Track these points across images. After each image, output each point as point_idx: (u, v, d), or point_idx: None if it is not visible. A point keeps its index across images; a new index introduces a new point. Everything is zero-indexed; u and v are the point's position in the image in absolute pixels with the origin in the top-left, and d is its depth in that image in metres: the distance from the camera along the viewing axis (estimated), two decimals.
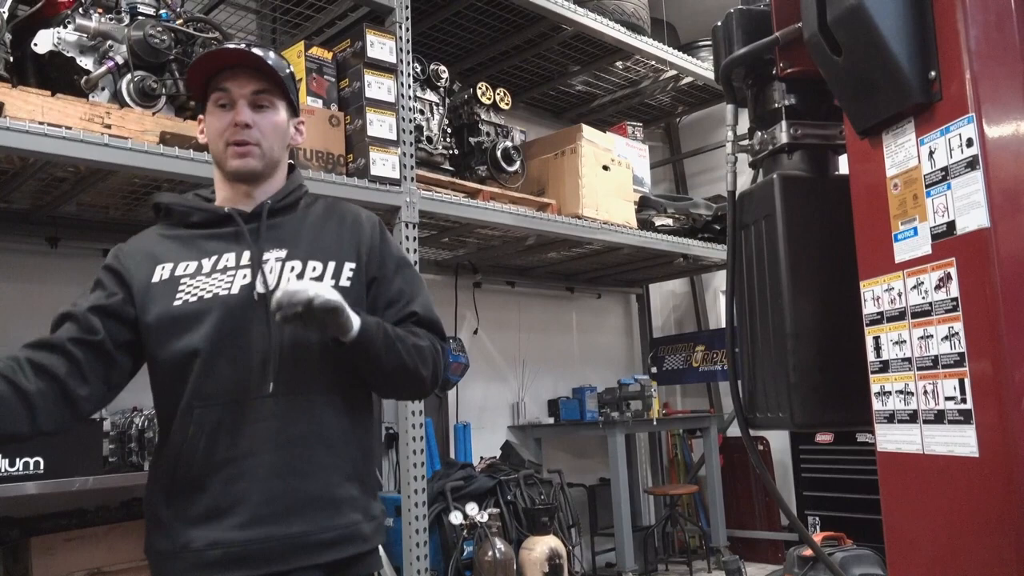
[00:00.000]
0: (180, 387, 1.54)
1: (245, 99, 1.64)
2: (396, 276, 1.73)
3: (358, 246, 1.69)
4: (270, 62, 1.66)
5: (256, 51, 1.66)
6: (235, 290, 1.56)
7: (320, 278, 1.61)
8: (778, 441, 5.31)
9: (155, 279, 1.59)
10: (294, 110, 1.76)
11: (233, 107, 1.64)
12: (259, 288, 1.57)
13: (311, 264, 1.63)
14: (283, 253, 1.62)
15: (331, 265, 1.64)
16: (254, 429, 1.53)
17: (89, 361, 1.54)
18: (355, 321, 1.51)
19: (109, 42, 2.59)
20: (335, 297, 1.45)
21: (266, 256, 1.61)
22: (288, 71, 1.73)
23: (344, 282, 1.63)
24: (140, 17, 2.66)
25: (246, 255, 1.61)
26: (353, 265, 1.66)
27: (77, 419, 1.55)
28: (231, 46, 1.72)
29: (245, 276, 1.58)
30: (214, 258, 1.61)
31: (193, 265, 1.60)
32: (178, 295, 1.56)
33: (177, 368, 1.55)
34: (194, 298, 1.56)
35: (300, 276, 1.61)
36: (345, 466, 1.60)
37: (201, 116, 1.72)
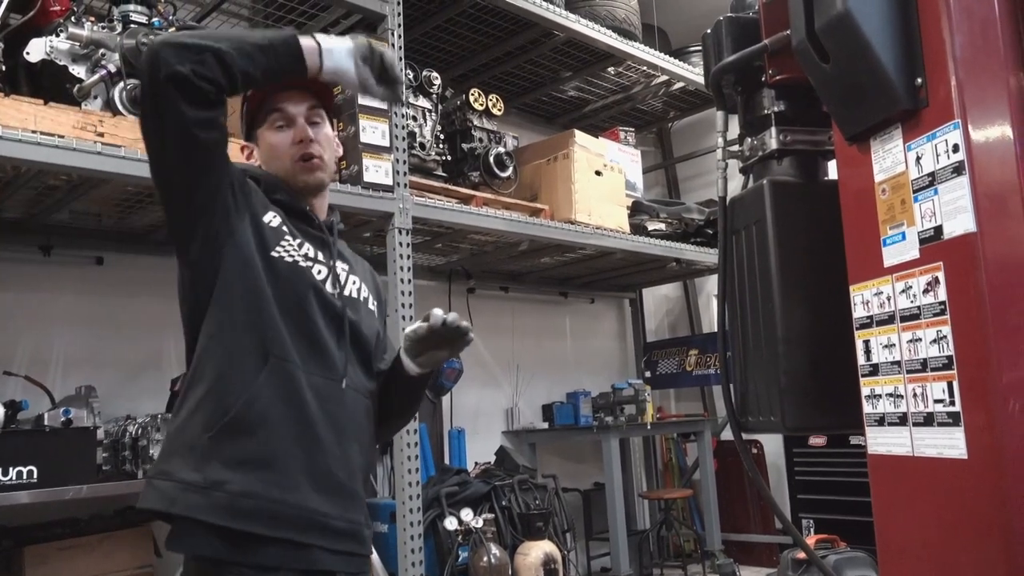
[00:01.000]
0: (256, 334, 1.53)
1: (303, 116, 1.68)
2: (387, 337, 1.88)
3: (377, 291, 1.83)
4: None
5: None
6: (320, 276, 1.63)
7: (367, 300, 1.75)
8: (772, 444, 5.32)
9: (266, 219, 1.59)
10: (330, 121, 1.81)
11: (291, 125, 1.68)
12: (331, 287, 1.64)
13: (362, 285, 1.75)
14: (346, 267, 1.73)
15: (370, 293, 1.78)
16: (316, 402, 1.55)
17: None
18: None
19: (102, 50, 2.59)
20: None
21: (337, 264, 1.70)
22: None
23: (376, 311, 1.79)
24: (132, 25, 2.67)
25: (322, 254, 1.66)
26: (376, 303, 1.80)
27: None
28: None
29: (321, 272, 1.64)
30: (299, 240, 1.63)
31: (291, 231, 1.62)
32: (279, 247, 1.58)
33: (258, 313, 1.53)
34: (290, 259, 1.59)
35: (359, 291, 1.73)
36: (365, 466, 1.69)
37: (245, 144, 1.74)
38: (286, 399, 1.52)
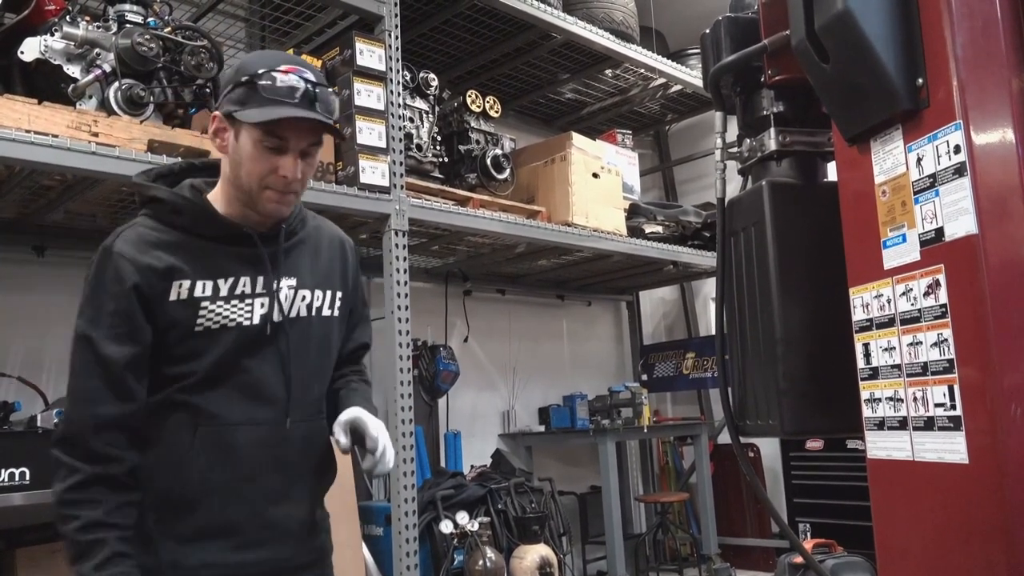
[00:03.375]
0: (184, 405, 1.48)
1: (299, 151, 1.51)
2: (364, 308, 1.80)
3: (343, 274, 1.71)
4: (331, 115, 1.54)
5: (320, 98, 1.50)
6: (256, 320, 1.52)
7: (322, 307, 1.63)
8: (769, 448, 5.31)
9: (172, 297, 1.47)
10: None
11: (282, 154, 1.50)
12: (275, 317, 1.54)
13: (316, 293, 1.63)
14: (293, 281, 1.59)
15: (328, 294, 1.65)
16: (257, 453, 1.50)
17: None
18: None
19: (97, 50, 2.58)
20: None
21: (280, 283, 1.58)
22: (336, 105, 1.66)
23: (336, 312, 1.66)
24: (128, 25, 2.65)
25: (260, 281, 1.55)
26: (341, 294, 1.68)
27: None
28: (302, 113, 1.48)
29: (263, 304, 1.53)
30: (231, 281, 1.52)
31: (210, 286, 1.50)
32: (199, 320, 1.48)
33: (185, 387, 1.49)
34: (216, 325, 1.49)
35: (309, 305, 1.61)
36: (321, 489, 1.66)
37: (217, 115, 1.53)
38: (223, 462, 1.47)
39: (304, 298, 1.60)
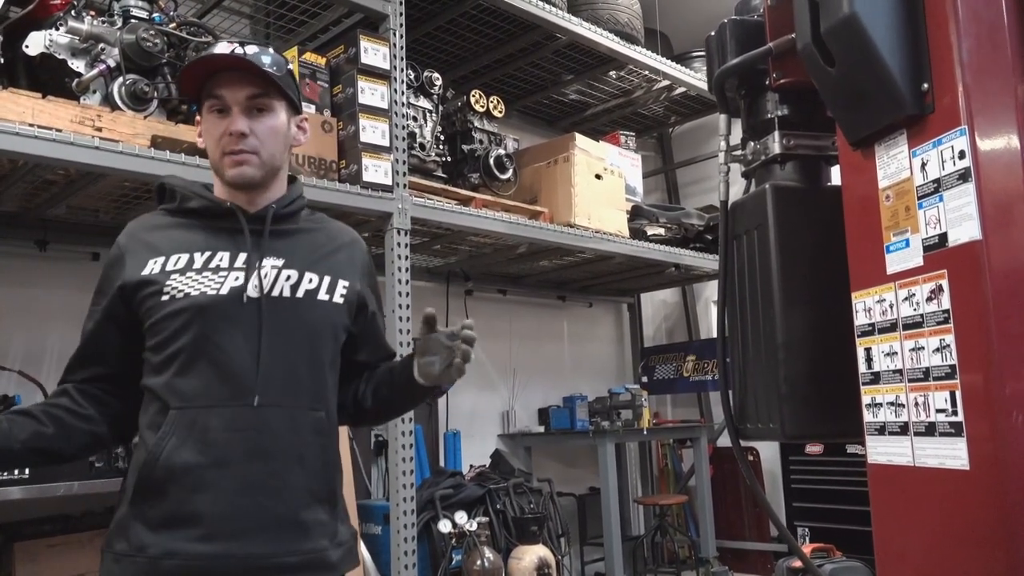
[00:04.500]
0: (156, 386, 1.49)
1: (240, 105, 1.56)
2: (379, 313, 1.79)
3: (354, 267, 1.70)
4: (265, 64, 1.56)
5: (249, 53, 1.56)
6: (224, 291, 1.51)
7: (316, 290, 1.60)
8: (768, 452, 5.30)
9: (145, 272, 1.52)
10: (295, 108, 1.68)
11: (229, 113, 1.56)
12: (251, 292, 1.52)
13: (307, 276, 1.60)
14: (280, 262, 1.58)
15: (327, 279, 1.62)
16: (228, 438, 1.46)
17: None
18: None
19: (101, 45, 2.57)
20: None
21: (263, 262, 1.57)
22: (287, 68, 1.65)
23: (337, 298, 1.63)
24: (133, 20, 2.65)
25: (241, 257, 1.55)
26: (347, 284, 1.65)
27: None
28: (222, 49, 1.57)
29: (237, 278, 1.53)
30: (207, 255, 1.54)
31: (184, 259, 1.53)
32: (164, 292, 1.50)
33: (156, 367, 1.50)
34: (180, 295, 1.50)
35: (296, 286, 1.57)
36: (318, 487, 1.55)
37: (199, 118, 1.64)
38: (192, 446, 1.44)
39: (289, 278, 1.57)
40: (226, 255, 1.55)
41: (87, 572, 2.81)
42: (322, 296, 1.60)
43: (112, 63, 2.56)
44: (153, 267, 1.52)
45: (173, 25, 2.73)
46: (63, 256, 3.31)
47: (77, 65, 2.55)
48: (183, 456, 1.44)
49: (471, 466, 4.51)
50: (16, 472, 2.49)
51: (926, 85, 1.48)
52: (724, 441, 5.51)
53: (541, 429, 5.14)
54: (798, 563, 3.04)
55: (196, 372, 1.48)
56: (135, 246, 1.57)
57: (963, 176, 1.42)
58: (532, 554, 3.77)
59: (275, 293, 1.55)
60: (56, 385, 1.63)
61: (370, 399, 1.74)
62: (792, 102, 1.94)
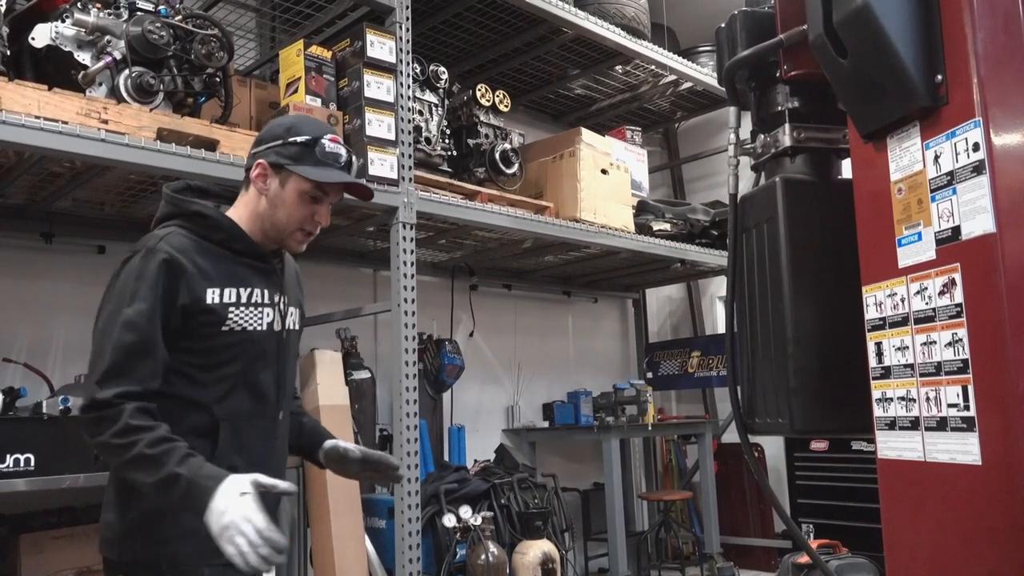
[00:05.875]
0: (205, 400, 1.73)
1: (329, 203, 1.87)
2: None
3: (300, 294, 2.02)
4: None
5: (355, 176, 1.95)
6: (263, 327, 1.81)
7: (295, 321, 1.95)
8: (773, 448, 5.29)
9: (208, 301, 1.72)
10: None
11: (319, 204, 1.84)
12: (276, 327, 1.85)
13: (297, 310, 1.96)
14: (285, 298, 1.90)
15: (297, 311, 1.96)
16: (261, 445, 1.82)
17: None
18: None
19: (107, 37, 2.57)
20: None
21: (279, 298, 1.88)
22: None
23: (299, 326, 1.98)
24: (139, 13, 2.64)
25: (266, 293, 1.84)
26: (303, 309, 2.02)
27: None
28: (350, 179, 1.88)
29: (268, 314, 1.83)
30: (249, 290, 1.80)
31: (234, 293, 1.77)
32: (225, 324, 1.74)
33: (203, 383, 1.73)
34: (238, 328, 1.76)
35: (296, 320, 1.95)
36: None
37: (265, 173, 1.81)
38: (237, 453, 1.74)
39: (291, 313, 1.92)
40: (259, 291, 1.82)
41: (92, 564, 2.81)
42: (295, 327, 1.95)
43: (118, 55, 2.55)
44: (213, 297, 1.73)
45: (179, 18, 2.72)
46: (69, 249, 3.31)
47: (83, 57, 2.55)
48: (232, 460, 1.71)
49: (475, 461, 4.51)
50: (21, 463, 2.49)
51: (940, 77, 1.47)
52: (728, 437, 5.50)
53: (545, 424, 5.14)
54: (803, 559, 3.04)
55: (238, 395, 1.78)
56: (190, 266, 1.72)
57: (977, 169, 1.40)
58: (536, 549, 3.76)
59: (287, 325, 1.89)
60: (100, 399, 1.61)
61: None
62: (803, 94, 1.93)
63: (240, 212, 1.85)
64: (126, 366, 1.62)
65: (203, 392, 1.73)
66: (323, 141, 1.81)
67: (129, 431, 1.56)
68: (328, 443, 1.97)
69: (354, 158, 1.91)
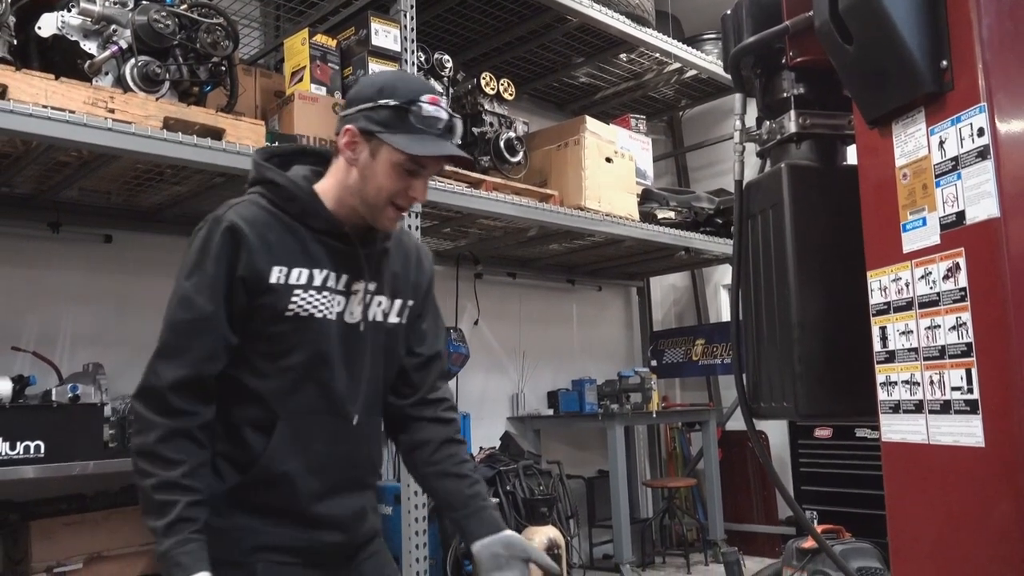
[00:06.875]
0: (265, 392, 1.56)
1: (427, 176, 1.62)
2: (437, 318, 1.88)
3: (417, 283, 1.78)
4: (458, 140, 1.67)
5: (456, 144, 1.65)
6: (333, 315, 1.60)
7: (397, 314, 1.71)
8: (776, 435, 5.31)
9: (272, 280, 1.54)
10: None
11: (415, 177, 1.59)
12: (356, 317, 1.63)
13: (395, 301, 1.71)
14: (373, 286, 1.66)
15: (398, 302, 1.72)
16: (328, 450, 1.60)
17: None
18: None
19: (113, 26, 2.58)
20: None
21: (360, 285, 1.64)
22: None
23: (404, 319, 1.73)
24: (144, 2, 2.65)
25: (343, 278, 1.62)
26: (412, 303, 1.75)
27: None
28: (449, 150, 1.61)
29: (339, 302, 1.61)
30: (323, 273, 1.59)
31: (305, 275, 1.57)
32: (290, 305, 1.55)
33: (264, 372, 1.56)
34: (304, 312, 1.56)
35: (387, 312, 1.69)
36: (375, 481, 1.77)
37: (355, 140, 1.58)
38: (296, 455, 1.57)
39: (380, 304, 1.68)
40: (334, 276, 1.60)
41: (102, 550, 2.84)
42: (393, 319, 1.71)
43: (124, 44, 2.56)
44: (279, 276, 1.54)
45: (184, 7, 2.73)
46: (76, 238, 3.33)
47: (89, 47, 2.56)
48: (286, 464, 1.56)
49: (481, 448, 4.54)
50: (31, 451, 2.52)
51: (945, 62, 1.47)
52: (732, 425, 5.51)
53: (550, 412, 5.16)
54: (808, 544, 3.05)
55: (304, 389, 1.58)
56: (256, 240, 1.53)
57: (982, 154, 1.41)
58: (542, 535, 3.79)
59: (370, 317, 1.66)
60: (148, 387, 1.50)
61: (416, 465, 1.82)
62: (808, 81, 1.93)
63: (327, 183, 1.63)
64: (179, 346, 1.49)
65: (263, 383, 1.55)
66: (420, 103, 1.55)
67: (151, 457, 1.45)
68: (486, 549, 1.67)
69: (458, 119, 1.65)
